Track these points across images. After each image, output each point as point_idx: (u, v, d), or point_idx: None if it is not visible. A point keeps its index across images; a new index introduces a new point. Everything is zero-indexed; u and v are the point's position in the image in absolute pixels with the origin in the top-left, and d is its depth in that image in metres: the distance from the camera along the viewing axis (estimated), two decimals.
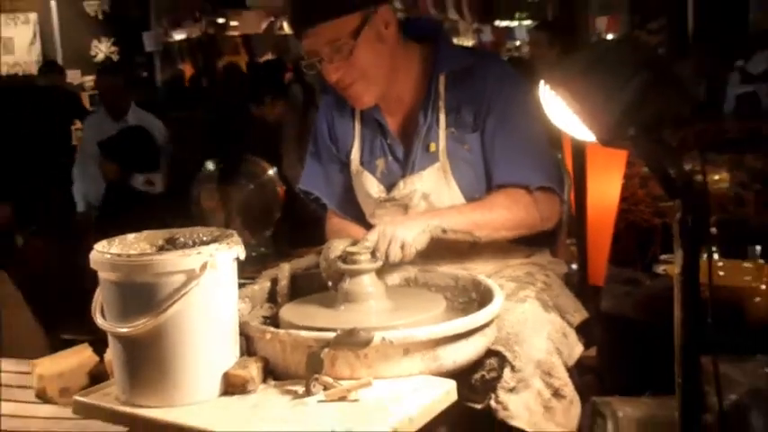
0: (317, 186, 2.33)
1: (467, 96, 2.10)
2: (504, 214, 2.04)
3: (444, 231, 1.95)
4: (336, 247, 1.89)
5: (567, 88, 1.39)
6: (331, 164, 2.30)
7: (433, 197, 2.11)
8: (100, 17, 7.87)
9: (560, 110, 1.43)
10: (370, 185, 2.19)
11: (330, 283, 1.90)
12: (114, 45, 7.95)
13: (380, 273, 1.85)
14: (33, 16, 7.52)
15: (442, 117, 2.11)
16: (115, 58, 7.89)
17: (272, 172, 5.14)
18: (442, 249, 2.08)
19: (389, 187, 2.16)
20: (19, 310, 3.74)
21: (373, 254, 1.82)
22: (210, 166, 5.27)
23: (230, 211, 5.03)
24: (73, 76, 7.65)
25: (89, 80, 7.74)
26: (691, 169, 1.41)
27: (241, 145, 5.26)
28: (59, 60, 7.49)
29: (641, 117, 1.31)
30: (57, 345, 2.28)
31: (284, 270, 2.03)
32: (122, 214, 4.10)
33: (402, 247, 1.85)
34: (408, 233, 1.88)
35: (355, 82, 2.06)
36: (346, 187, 2.28)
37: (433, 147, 2.11)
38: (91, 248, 1.54)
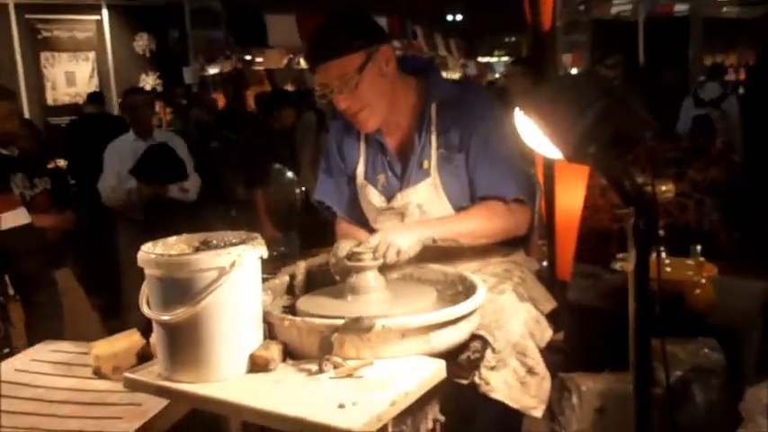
0: (329, 197, 2.31)
1: (454, 122, 2.09)
2: (484, 224, 2.03)
3: (434, 241, 1.95)
4: (344, 247, 1.88)
5: (537, 113, 1.38)
6: (340, 178, 2.29)
7: (425, 207, 2.10)
8: (147, 55, 7.87)
9: (532, 131, 1.42)
10: (373, 197, 2.18)
11: (338, 278, 1.90)
12: (159, 78, 7.94)
13: (382, 269, 1.83)
14: (92, 54, 7.52)
15: (434, 139, 2.09)
16: (159, 88, 7.90)
17: (291, 175, 5.18)
18: (434, 250, 2.09)
19: (389, 198, 2.15)
20: (80, 301, 3.74)
21: (375, 253, 1.82)
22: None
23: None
24: None
25: None
26: (642, 182, 1.40)
27: (270, 158, 5.28)
28: (113, 91, 7.50)
29: (600, 137, 1.30)
30: (111, 329, 2.27)
31: (300, 267, 2.02)
32: (164, 222, 4.02)
33: (398, 253, 1.85)
34: (404, 241, 1.87)
35: (361, 110, 2.04)
36: (352, 198, 2.27)
37: (425, 164, 2.10)
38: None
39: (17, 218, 2.67)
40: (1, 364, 2.19)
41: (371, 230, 2.13)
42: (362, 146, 2.22)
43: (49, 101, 7.26)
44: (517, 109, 1.45)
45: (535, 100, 1.40)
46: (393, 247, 1.83)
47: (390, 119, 2.13)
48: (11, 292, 2.75)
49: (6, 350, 2.58)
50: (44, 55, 7.25)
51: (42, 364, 2.14)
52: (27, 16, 7.07)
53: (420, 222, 2.06)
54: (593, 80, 1.35)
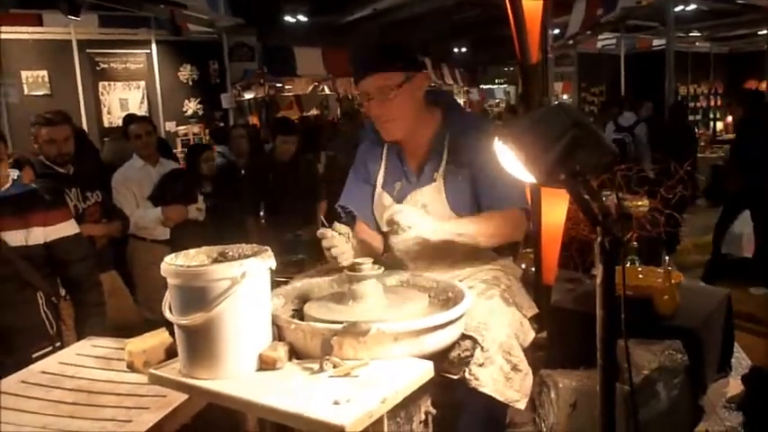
0: (353, 202, 2.29)
1: (463, 145, 2.10)
2: (498, 226, 2.03)
3: (455, 234, 1.94)
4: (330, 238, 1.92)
5: (514, 142, 1.35)
6: (365, 186, 2.29)
7: (429, 207, 2.10)
8: (190, 83, 7.90)
9: (510, 158, 1.39)
10: (387, 201, 2.19)
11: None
12: (200, 104, 7.96)
13: (380, 277, 1.79)
14: (142, 83, 7.57)
15: (445, 155, 2.12)
16: (200, 113, 7.94)
17: None
18: (432, 256, 2.07)
19: (400, 201, 2.15)
20: (124, 300, 3.73)
21: (375, 263, 1.78)
22: None
23: None
24: (170, 126, 7.74)
25: (182, 129, 7.83)
26: (621, 197, 1.36)
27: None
28: (160, 115, 7.55)
29: (569, 165, 1.27)
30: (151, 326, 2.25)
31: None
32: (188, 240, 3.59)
33: (408, 228, 1.84)
34: (423, 226, 1.87)
35: (389, 121, 2.08)
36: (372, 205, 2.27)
37: (435, 175, 2.12)
38: None
39: (67, 229, 2.66)
40: (49, 357, 2.19)
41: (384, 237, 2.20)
42: (384, 160, 2.25)
43: (105, 123, 7.30)
44: (497, 138, 1.42)
45: (512, 130, 1.37)
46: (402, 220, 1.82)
47: (412, 136, 2.16)
48: (62, 293, 2.74)
49: (58, 344, 2.57)
50: (101, 84, 7.30)
51: (84, 358, 2.12)
52: (87, 51, 7.14)
53: (444, 219, 2.02)
54: (564, 113, 1.31)
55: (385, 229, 1.87)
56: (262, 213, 4.60)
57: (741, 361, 3.17)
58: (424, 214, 1.96)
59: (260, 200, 4.78)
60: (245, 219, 4.75)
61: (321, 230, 1.94)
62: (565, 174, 1.27)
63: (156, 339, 1.94)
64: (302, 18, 13.99)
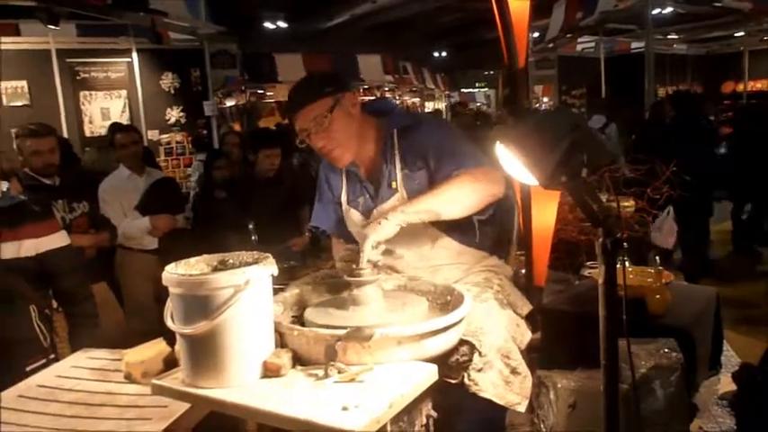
0: (322, 222, 2.34)
1: (413, 145, 2.11)
2: (454, 191, 1.95)
3: (414, 219, 1.88)
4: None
5: (516, 146, 1.37)
6: (329, 205, 2.31)
7: None
8: (172, 92, 7.86)
9: (511, 161, 1.41)
10: (356, 217, 2.20)
11: (346, 276, 1.83)
12: (182, 111, 7.92)
13: (380, 282, 1.81)
14: (124, 92, 7.53)
15: (398, 162, 2.12)
16: (183, 120, 7.90)
17: None
18: (426, 267, 2.08)
19: (367, 216, 2.16)
20: (114, 311, 3.70)
21: (375, 266, 1.79)
22: None
23: None
24: (152, 135, 7.70)
25: (165, 137, 7.78)
26: (606, 199, 1.38)
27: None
28: (143, 123, 7.50)
29: (570, 168, 1.29)
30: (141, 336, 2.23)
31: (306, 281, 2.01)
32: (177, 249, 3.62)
33: (375, 246, 1.81)
34: (378, 234, 1.82)
35: (334, 148, 2.09)
36: (340, 219, 2.28)
37: (393, 184, 2.12)
38: None
39: (58, 240, 2.64)
40: (44, 370, 2.17)
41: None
42: (343, 177, 2.25)
43: (87, 133, 7.25)
44: (498, 142, 1.44)
45: (513, 134, 1.39)
46: (368, 242, 1.79)
47: (361, 152, 2.16)
48: (54, 305, 2.71)
49: (52, 356, 2.54)
50: (82, 93, 7.26)
51: (81, 371, 2.10)
52: (67, 60, 7.10)
53: (394, 208, 1.96)
54: (564, 116, 1.34)
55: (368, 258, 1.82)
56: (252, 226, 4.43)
57: (730, 358, 3.22)
58: (372, 225, 1.87)
59: (245, 219, 4.39)
60: (231, 234, 4.52)
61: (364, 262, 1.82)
62: (566, 176, 1.29)
63: (153, 350, 1.93)
64: (282, 24, 13.97)
